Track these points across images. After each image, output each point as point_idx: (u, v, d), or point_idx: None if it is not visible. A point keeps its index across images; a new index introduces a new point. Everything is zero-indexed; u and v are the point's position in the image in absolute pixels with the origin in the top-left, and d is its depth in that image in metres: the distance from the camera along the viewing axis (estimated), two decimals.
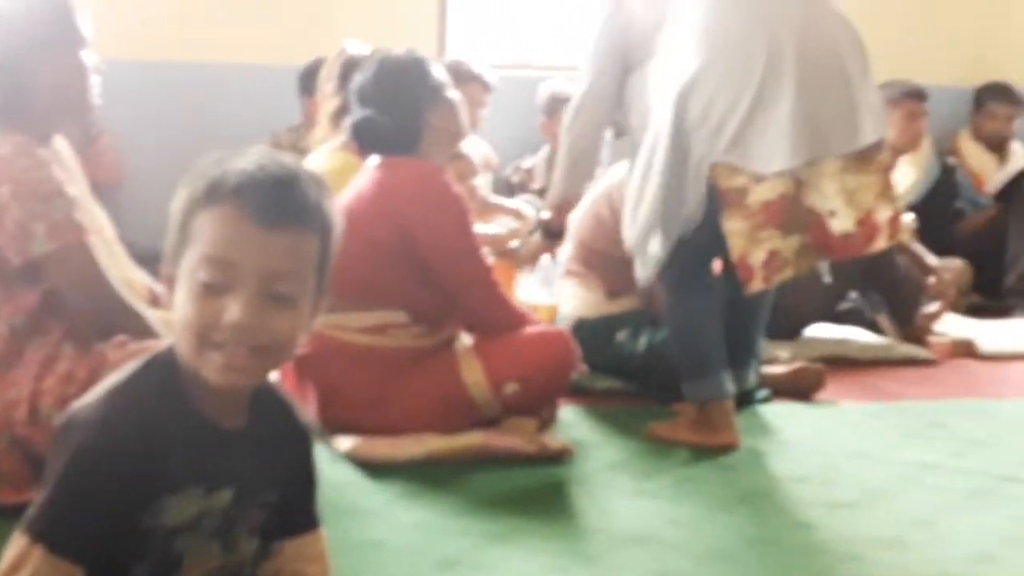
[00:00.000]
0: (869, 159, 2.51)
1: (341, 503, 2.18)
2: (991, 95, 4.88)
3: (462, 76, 4.00)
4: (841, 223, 2.48)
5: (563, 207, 3.04)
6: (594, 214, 3.24)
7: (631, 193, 2.66)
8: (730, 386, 2.68)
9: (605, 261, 3.20)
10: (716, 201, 2.49)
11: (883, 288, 3.82)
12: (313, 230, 1.23)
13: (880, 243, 2.54)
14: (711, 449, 2.61)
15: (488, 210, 3.74)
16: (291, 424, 1.37)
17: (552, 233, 3.11)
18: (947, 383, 3.46)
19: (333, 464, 2.40)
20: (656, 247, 2.58)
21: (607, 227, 3.18)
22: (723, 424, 2.65)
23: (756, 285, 2.51)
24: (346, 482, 2.32)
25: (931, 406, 3.13)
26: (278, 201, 1.19)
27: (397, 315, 2.54)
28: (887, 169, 2.56)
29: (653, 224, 2.56)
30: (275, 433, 1.33)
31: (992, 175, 4.75)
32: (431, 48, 4.72)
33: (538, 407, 2.56)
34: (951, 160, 4.77)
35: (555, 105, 4.47)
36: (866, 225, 2.51)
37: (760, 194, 2.46)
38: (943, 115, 4.82)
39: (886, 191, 2.54)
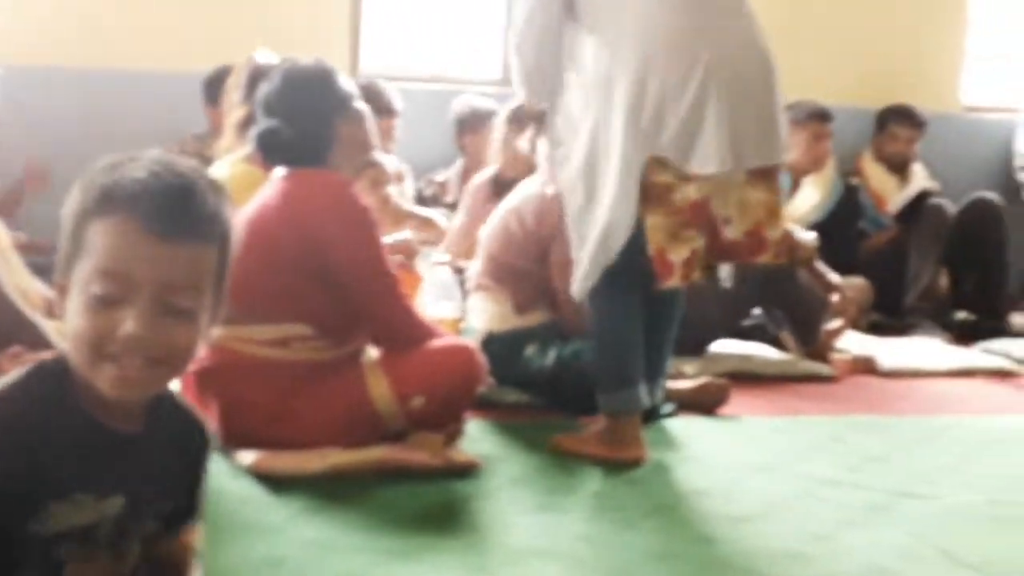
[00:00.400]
0: (770, 178, 2.57)
1: (241, 518, 2.14)
2: (893, 117, 4.99)
3: (371, 95, 3.98)
4: (732, 231, 2.55)
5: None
6: (504, 228, 3.24)
7: (571, 183, 2.63)
8: (646, 400, 2.69)
9: (514, 275, 3.20)
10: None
11: (786, 305, 3.88)
12: (211, 240, 1.21)
13: (765, 257, 2.60)
14: (618, 463, 2.62)
15: (401, 218, 3.71)
16: (189, 429, 1.35)
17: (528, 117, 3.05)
18: (847, 399, 3.53)
19: (234, 478, 2.36)
20: (603, 253, 2.57)
21: (517, 241, 3.19)
22: (632, 438, 2.66)
23: (673, 281, 2.54)
24: (247, 497, 2.28)
25: (831, 421, 3.19)
26: (173, 212, 1.17)
27: (302, 328, 2.51)
28: (778, 192, 2.62)
29: (603, 227, 2.54)
30: (173, 438, 1.30)
31: (893, 196, 4.86)
32: (343, 59, 4.68)
33: (444, 421, 2.54)
34: (854, 180, 4.87)
35: (471, 120, 4.48)
36: (754, 237, 2.57)
37: (687, 193, 2.50)
38: (847, 136, 4.92)
39: (775, 211, 2.60)
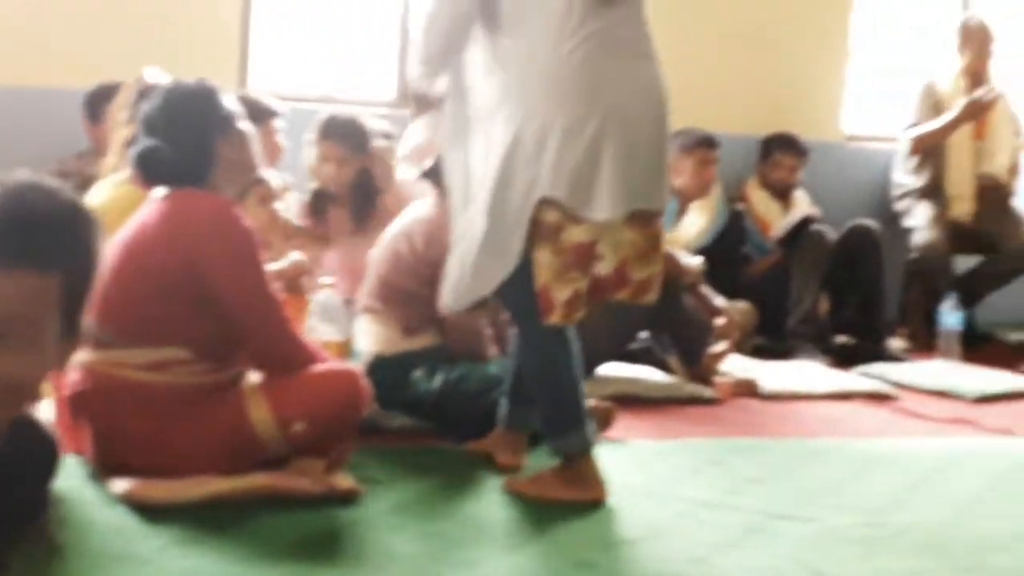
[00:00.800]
0: (646, 222, 2.59)
1: (113, 549, 2.09)
2: (777, 145, 5.11)
3: (245, 104, 3.93)
4: (603, 268, 2.56)
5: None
6: (393, 250, 3.23)
7: (456, 199, 2.62)
8: (594, 437, 2.64)
9: (403, 297, 3.19)
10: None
11: (672, 329, 3.94)
12: (48, 270, 1.17)
13: (623, 294, 2.62)
14: (582, 504, 2.56)
15: (291, 234, 3.67)
16: (37, 446, 1.31)
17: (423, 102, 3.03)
18: (730, 422, 3.59)
19: (107, 507, 2.30)
20: (477, 281, 2.57)
21: (406, 263, 3.18)
22: (593, 477, 2.61)
23: (554, 319, 2.54)
24: (119, 527, 2.22)
25: (714, 444, 3.23)
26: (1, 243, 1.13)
27: (180, 351, 2.45)
28: (656, 236, 2.63)
29: (480, 254, 2.54)
30: (20, 456, 1.26)
31: (777, 221, 4.97)
32: (232, 79, 4.63)
33: (327, 446, 2.51)
34: (739, 206, 4.97)
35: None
36: (618, 275, 2.59)
37: (574, 235, 2.50)
38: (733, 163, 5.02)
39: (645, 254, 2.60)
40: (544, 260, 2.51)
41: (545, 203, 2.49)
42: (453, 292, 2.65)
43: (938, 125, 5.08)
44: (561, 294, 2.52)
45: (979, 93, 5.02)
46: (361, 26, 5.02)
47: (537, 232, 2.50)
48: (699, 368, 3.93)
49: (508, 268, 2.53)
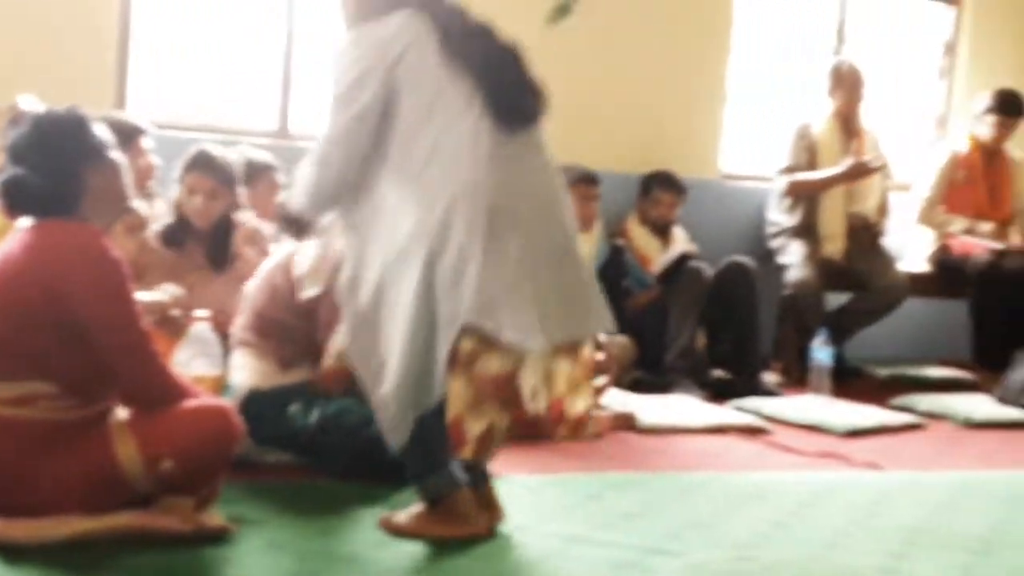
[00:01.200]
0: (576, 349, 2.58)
1: None
2: (657, 183, 5.20)
3: (112, 127, 3.86)
4: (537, 404, 2.50)
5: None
6: (270, 283, 3.19)
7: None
8: (462, 475, 2.62)
9: (279, 330, 3.16)
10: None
11: None
12: None
13: (562, 431, 2.59)
14: (463, 540, 2.55)
15: (162, 264, 3.59)
16: None
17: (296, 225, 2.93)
18: (608, 456, 3.62)
19: None
20: (401, 414, 2.52)
21: (283, 296, 3.15)
22: (469, 512, 2.60)
23: (465, 453, 2.50)
24: None
25: (590, 479, 3.26)
26: None
27: (45, 386, 2.38)
28: (588, 363, 2.64)
29: (401, 387, 2.49)
30: None
31: (656, 257, 5.05)
32: (109, 105, 4.53)
33: (196, 484, 2.46)
34: (620, 241, 5.04)
35: (247, 172, 4.38)
36: (554, 411, 2.54)
37: (490, 365, 2.44)
38: (613, 199, 5.09)
39: (578, 385, 2.59)
40: (457, 390, 2.44)
41: (464, 331, 2.43)
42: (392, 432, 2.57)
43: (819, 177, 5.24)
44: (474, 427, 2.46)
45: (867, 158, 5.21)
46: (244, 55, 4.97)
47: (452, 360, 2.44)
48: None
49: (432, 403, 2.50)
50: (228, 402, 2.68)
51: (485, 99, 2.51)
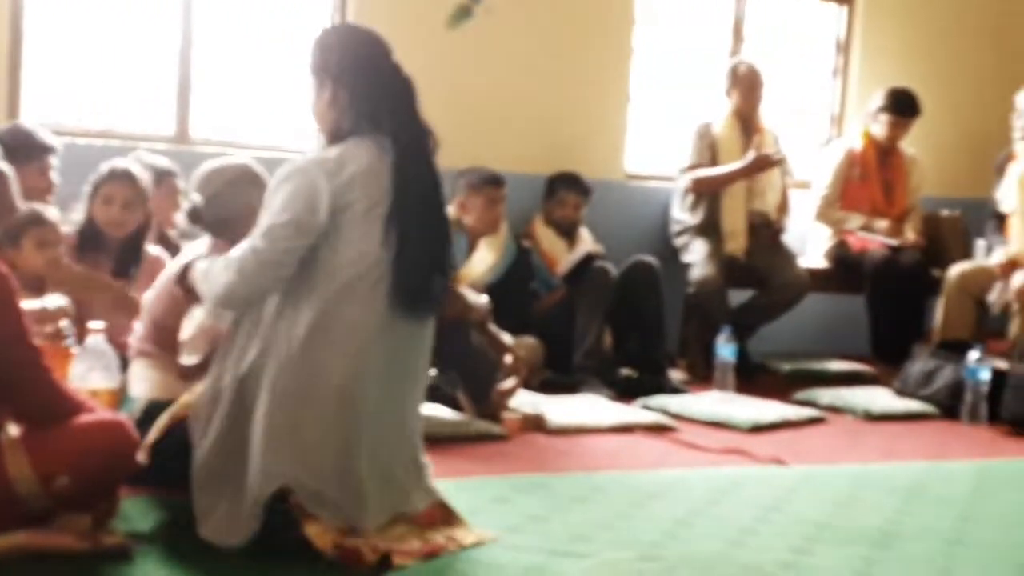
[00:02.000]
0: (408, 516, 2.60)
1: None
2: (562, 184, 5.23)
3: (20, 138, 3.78)
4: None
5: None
6: (169, 292, 3.13)
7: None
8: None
9: (179, 340, 3.10)
10: None
11: (459, 366, 3.96)
12: None
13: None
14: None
15: (74, 279, 3.50)
16: None
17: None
18: (516, 458, 3.63)
19: None
20: None
21: (182, 306, 3.09)
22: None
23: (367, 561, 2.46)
24: None
25: (498, 482, 3.26)
26: None
27: None
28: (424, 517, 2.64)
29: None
30: None
31: (563, 258, 5.07)
32: (2, 111, 4.42)
33: (93, 501, 2.41)
34: (526, 243, 5.05)
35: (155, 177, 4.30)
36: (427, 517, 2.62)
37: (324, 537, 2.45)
38: (520, 201, 5.11)
39: (421, 535, 2.59)
40: (316, 530, 2.46)
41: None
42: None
43: (723, 172, 5.31)
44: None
45: (769, 151, 5.29)
46: (140, 59, 4.87)
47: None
48: (488, 405, 3.97)
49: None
50: (125, 415, 2.63)
51: (395, 281, 2.53)
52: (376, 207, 2.53)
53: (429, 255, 2.60)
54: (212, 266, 2.62)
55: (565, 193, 5.20)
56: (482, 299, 4.06)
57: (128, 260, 3.67)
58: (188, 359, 2.88)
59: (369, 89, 2.59)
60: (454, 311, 3.78)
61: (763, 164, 5.28)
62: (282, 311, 2.53)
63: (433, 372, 4.05)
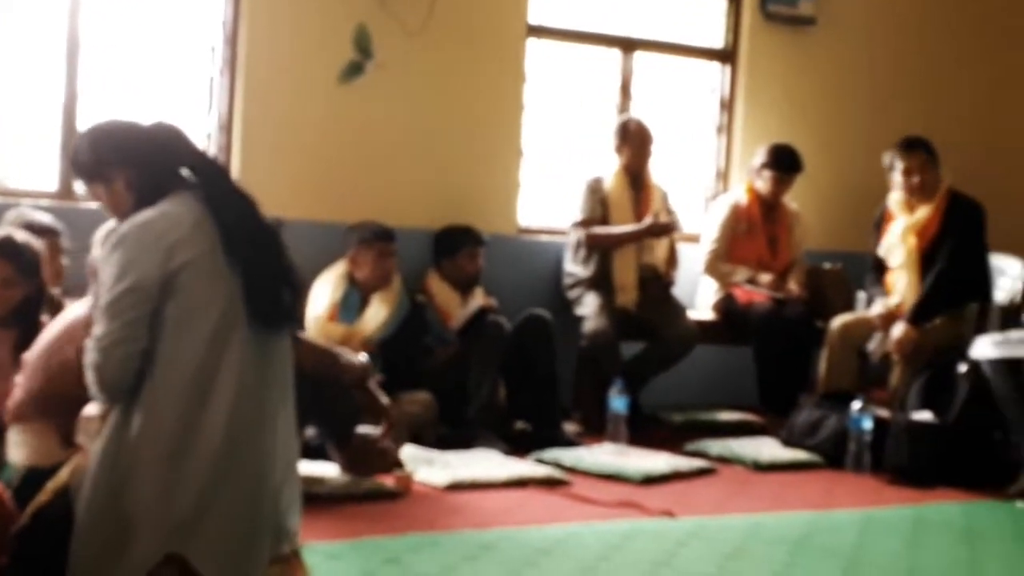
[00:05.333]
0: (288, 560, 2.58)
1: None
2: (466, 237, 5.20)
3: None
4: None
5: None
6: (58, 357, 3.04)
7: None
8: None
9: (67, 405, 3.00)
10: None
11: (319, 412, 3.89)
12: None
13: None
14: None
15: None
16: None
17: None
18: (410, 516, 3.60)
19: None
20: None
21: (72, 369, 3.00)
22: None
23: None
24: None
25: (390, 542, 3.24)
26: None
27: None
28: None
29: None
30: None
31: (457, 312, 5.09)
32: None
33: None
34: (420, 298, 5.05)
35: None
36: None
37: None
38: (412, 255, 5.12)
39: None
40: None
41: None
42: None
43: (618, 231, 5.41)
44: None
45: (664, 219, 5.41)
46: (23, 113, 4.78)
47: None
48: (352, 450, 3.89)
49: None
50: (1, 485, 2.55)
51: (250, 307, 2.50)
52: (211, 251, 2.49)
53: (272, 271, 2.56)
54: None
55: (473, 247, 5.21)
56: (360, 358, 3.96)
57: (29, 332, 3.53)
58: (80, 439, 2.79)
59: (149, 148, 2.58)
60: (330, 372, 3.73)
61: (656, 231, 5.44)
62: (151, 376, 2.45)
63: (313, 431, 4.00)
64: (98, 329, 2.46)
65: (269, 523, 2.51)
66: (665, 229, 5.47)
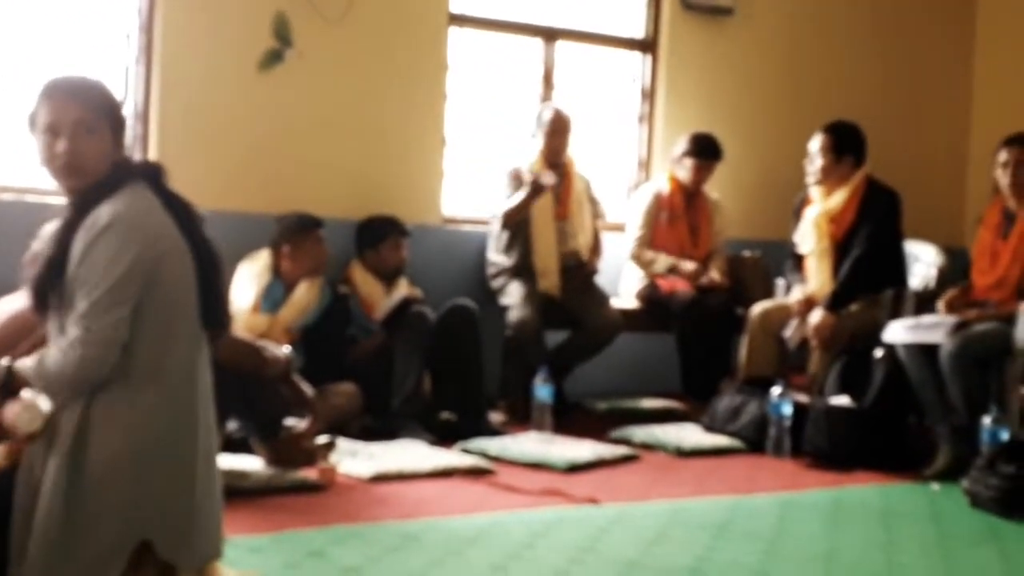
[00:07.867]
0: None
1: None
2: (391, 227, 5.18)
3: None
4: None
5: None
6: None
7: None
8: None
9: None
10: None
11: (244, 411, 3.87)
12: None
13: None
14: None
15: None
16: None
17: None
18: (334, 508, 3.58)
19: None
20: None
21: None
22: None
23: None
24: None
25: (314, 535, 3.22)
26: None
27: None
28: None
29: None
30: None
31: (381, 303, 5.06)
32: None
33: None
34: (344, 288, 5.02)
35: None
36: None
37: None
38: (335, 246, 5.07)
39: None
40: None
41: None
42: None
43: (515, 202, 5.37)
44: None
45: (543, 176, 5.35)
46: None
47: None
48: (278, 443, 3.87)
49: None
50: None
51: (205, 304, 2.48)
52: (180, 244, 2.45)
53: (218, 268, 2.53)
54: (43, 363, 2.36)
55: (397, 237, 5.18)
56: (283, 351, 3.93)
57: None
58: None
59: (121, 133, 2.49)
60: (251, 365, 3.70)
61: (537, 188, 5.30)
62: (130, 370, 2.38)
63: (235, 424, 3.97)
64: (95, 320, 2.31)
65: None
66: (540, 185, 5.27)
